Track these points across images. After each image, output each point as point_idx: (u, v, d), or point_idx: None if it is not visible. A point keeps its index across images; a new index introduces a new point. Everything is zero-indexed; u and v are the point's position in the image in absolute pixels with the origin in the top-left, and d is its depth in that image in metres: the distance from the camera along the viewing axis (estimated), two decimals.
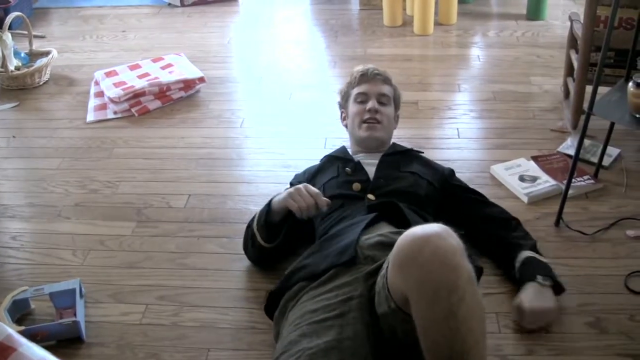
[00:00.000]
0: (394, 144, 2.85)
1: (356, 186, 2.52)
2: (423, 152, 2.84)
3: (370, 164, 2.65)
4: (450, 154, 3.29)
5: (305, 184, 2.43)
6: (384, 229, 2.25)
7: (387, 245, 2.11)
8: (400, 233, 1.86)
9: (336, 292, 2.03)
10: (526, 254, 2.42)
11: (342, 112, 2.97)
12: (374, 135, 2.73)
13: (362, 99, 2.80)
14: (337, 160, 2.73)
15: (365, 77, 2.82)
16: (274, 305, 2.21)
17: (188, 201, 3.07)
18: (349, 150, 2.85)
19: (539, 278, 2.32)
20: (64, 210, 3.07)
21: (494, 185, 3.05)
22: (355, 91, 2.84)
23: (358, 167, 2.63)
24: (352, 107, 2.82)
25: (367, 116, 2.74)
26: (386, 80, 2.84)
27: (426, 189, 2.57)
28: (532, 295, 2.28)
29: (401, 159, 2.69)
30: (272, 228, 2.48)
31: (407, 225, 2.10)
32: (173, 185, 3.20)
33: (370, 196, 2.46)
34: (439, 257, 1.67)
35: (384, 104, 2.78)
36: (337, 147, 2.90)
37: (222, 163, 3.35)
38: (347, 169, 2.62)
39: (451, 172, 2.79)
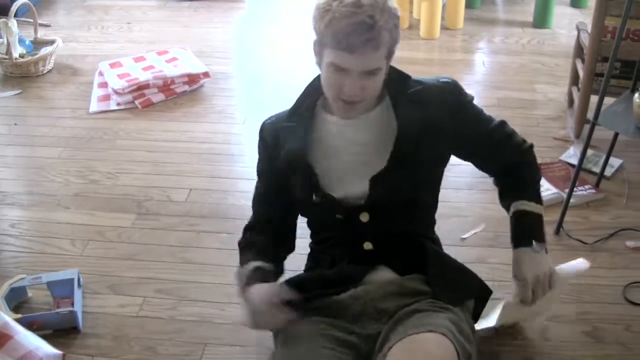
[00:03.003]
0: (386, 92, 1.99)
1: (341, 211, 1.96)
2: (420, 85, 1.99)
3: (346, 141, 1.97)
4: (452, 159, 3.27)
5: (269, 295, 1.89)
6: (385, 277, 1.99)
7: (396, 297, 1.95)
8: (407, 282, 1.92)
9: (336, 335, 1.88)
10: (522, 204, 2.09)
11: (315, 51, 1.96)
12: (351, 114, 1.92)
13: (339, 70, 1.82)
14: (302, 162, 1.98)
15: (343, 44, 1.76)
16: None
17: (189, 195, 3.07)
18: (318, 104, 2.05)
19: (535, 246, 2.02)
20: (64, 200, 3.07)
21: (496, 191, 3.04)
22: (328, 55, 1.83)
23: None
24: (325, 71, 1.88)
25: (344, 97, 1.85)
26: (379, 43, 1.76)
27: (433, 184, 2.11)
28: (530, 264, 2.00)
29: (420, 138, 1.95)
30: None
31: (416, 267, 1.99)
32: (174, 179, 3.20)
33: (364, 217, 1.95)
34: None
35: (372, 74, 1.82)
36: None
37: (224, 159, 3.34)
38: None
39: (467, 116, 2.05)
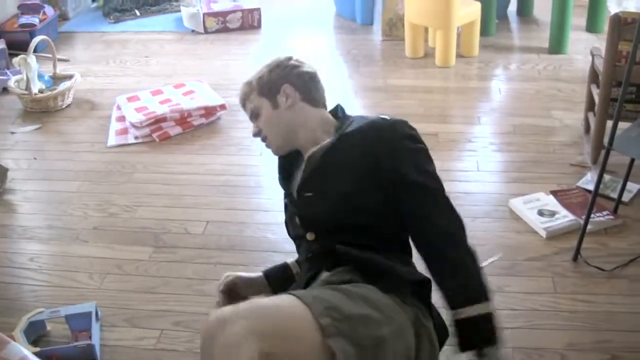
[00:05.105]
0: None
1: (298, 220, 2.11)
2: (359, 122, 2.15)
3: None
4: (469, 187, 3.29)
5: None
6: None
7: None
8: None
9: None
10: (477, 309, 1.86)
11: None
12: (274, 153, 2.30)
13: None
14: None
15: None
16: None
17: (206, 228, 3.08)
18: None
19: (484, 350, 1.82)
20: (82, 233, 3.09)
21: (513, 219, 3.04)
22: None
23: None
24: None
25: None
26: (244, 98, 2.29)
27: (367, 211, 1.99)
28: None
29: (329, 166, 2.05)
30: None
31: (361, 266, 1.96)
32: (191, 211, 3.21)
33: (310, 235, 2.05)
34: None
35: (256, 116, 2.27)
36: None
37: (241, 191, 3.36)
38: (284, 200, 2.26)
39: (399, 157, 1.99)
